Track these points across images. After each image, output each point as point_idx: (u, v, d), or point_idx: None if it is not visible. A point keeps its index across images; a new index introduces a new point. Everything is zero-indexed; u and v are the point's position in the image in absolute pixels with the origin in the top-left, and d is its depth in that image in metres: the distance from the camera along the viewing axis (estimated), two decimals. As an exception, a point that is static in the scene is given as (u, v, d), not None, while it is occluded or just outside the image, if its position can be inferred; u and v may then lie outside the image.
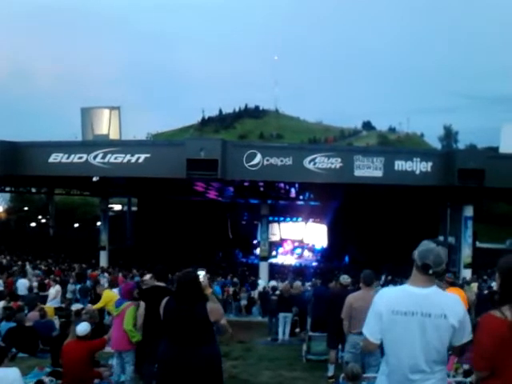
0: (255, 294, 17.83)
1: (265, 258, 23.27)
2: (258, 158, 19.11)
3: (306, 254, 34.68)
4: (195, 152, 18.52)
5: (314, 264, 31.90)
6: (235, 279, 20.79)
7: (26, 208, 46.13)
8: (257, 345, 10.52)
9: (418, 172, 19.16)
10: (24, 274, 16.51)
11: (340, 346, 6.98)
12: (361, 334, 5.60)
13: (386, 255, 26.97)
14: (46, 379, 6.20)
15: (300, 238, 35.40)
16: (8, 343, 7.17)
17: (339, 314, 5.96)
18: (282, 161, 19.16)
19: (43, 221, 43.91)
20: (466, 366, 6.22)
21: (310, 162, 19.07)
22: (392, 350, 2.75)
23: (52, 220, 38.53)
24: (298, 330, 11.66)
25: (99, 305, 9.50)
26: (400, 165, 19.17)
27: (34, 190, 34.06)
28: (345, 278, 7.30)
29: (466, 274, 20.01)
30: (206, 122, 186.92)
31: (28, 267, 19.28)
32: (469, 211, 21.45)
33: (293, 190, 26.65)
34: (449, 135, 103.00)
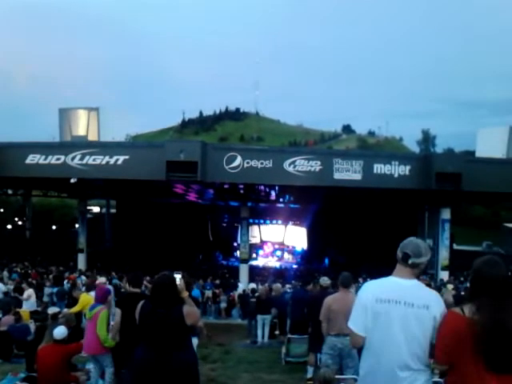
0: (235, 296, 17.79)
1: (245, 261, 23.24)
2: (238, 160, 19.08)
3: (286, 256, 34.74)
4: (175, 154, 18.41)
5: (295, 266, 32.00)
6: (217, 281, 20.78)
7: (1, 210, 45.32)
8: (236, 347, 10.49)
9: (396, 175, 19.35)
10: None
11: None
12: (338, 335, 5.67)
13: (365, 257, 27.19)
14: (21, 385, 6.08)
15: (280, 240, 35.45)
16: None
17: (319, 316, 5.98)
18: (262, 163, 19.16)
19: (20, 223, 43.18)
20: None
21: (289, 164, 19.12)
22: (376, 342, 2.75)
23: (29, 222, 37.90)
24: (277, 332, 11.67)
25: (76, 308, 9.35)
26: (379, 168, 19.33)
27: (10, 192, 33.46)
28: (324, 280, 7.33)
29: (444, 275, 20.29)
30: (186, 124, 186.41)
31: (5, 272, 18.92)
32: (446, 214, 21.73)
33: (273, 193, 26.69)
34: (427, 139, 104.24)
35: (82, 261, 24.86)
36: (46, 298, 14.14)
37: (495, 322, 2.36)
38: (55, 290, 14.18)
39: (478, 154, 23.58)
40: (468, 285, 2.74)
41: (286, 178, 19.31)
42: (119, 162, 19.36)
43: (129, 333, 5.33)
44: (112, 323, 6.00)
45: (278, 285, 13.64)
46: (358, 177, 19.22)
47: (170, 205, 31.81)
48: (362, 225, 29.29)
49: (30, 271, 19.81)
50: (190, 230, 32.19)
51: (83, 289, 11.96)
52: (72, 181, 20.29)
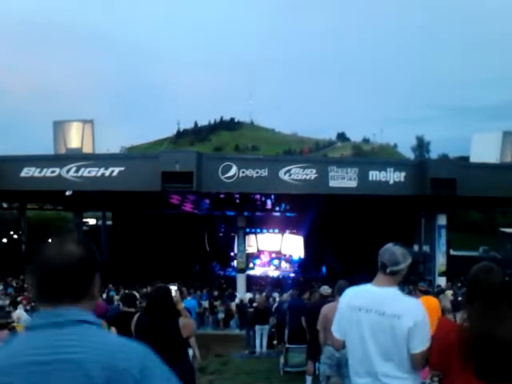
0: (233, 306, 17.71)
1: (242, 270, 23.16)
2: (234, 169, 19.09)
3: (284, 265, 34.64)
4: (170, 165, 18.41)
5: (292, 275, 31.90)
6: (216, 292, 20.68)
7: (-4, 224, 45.08)
8: (234, 358, 10.44)
9: (391, 182, 19.39)
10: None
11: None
12: (336, 344, 5.62)
13: (362, 265, 27.11)
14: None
15: (277, 249, 35.35)
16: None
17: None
18: (257, 172, 19.18)
19: (15, 236, 42.93)
20: (441, 374, 6.25)
21: (285, 173, 19.13)
22: (350, 348, 2.79)
23: (24, 235, 37.67)
24: (275, 342, 11.61)
25: None
26: (374, 175, 19.38)
27: (5, 205, 33.33)
28: (325, 289, 7.31)
29: (441, 281, 20.27)
30: (181, 135, 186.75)
31: (0, 286, 18.81)
32: (442, 220, 21.78)
33: (269, 202, 26.68)
34: (421, 145, 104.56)
35: (78, 273, 24.68)
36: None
37: (485, 329, 2.32)
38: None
39: (472, 160, 23.68)
40: (464, 291, 2.72)
41: (282, 186, 19.32)
42: (114, 174, 19.34)
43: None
44: None
45: (263, 295, 13.54)
46: (353, 184, 19.25)
47: (166, 216, 31.72)
48: (358, 232, 29.25)
49: (25, 285, 19.68)
50: (187, 240, 32.07)
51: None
52: (67, 193, 20.24)
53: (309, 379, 6.93)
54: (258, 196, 23.99)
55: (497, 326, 2.33)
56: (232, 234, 32.11)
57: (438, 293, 12.79)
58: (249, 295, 17.33)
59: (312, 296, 10.08)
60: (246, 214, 24.60)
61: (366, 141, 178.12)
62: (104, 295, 14.76)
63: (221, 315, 17.25)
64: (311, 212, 28.44)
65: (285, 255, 35.19)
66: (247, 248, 26.15)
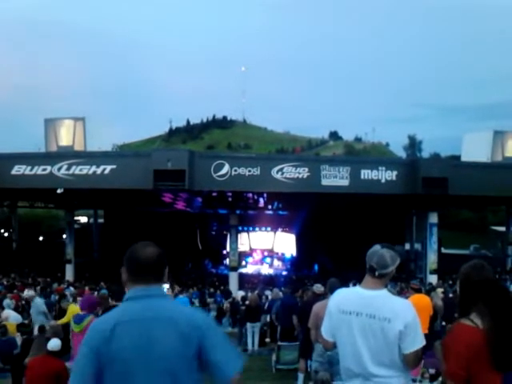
0: (227, 304, 17.69)
1: (234, 268, 23.16)
2: (226, 168, 19.07)
3: (276, 263, 34.69)
4: (162, 163, 18.36)
5: (284, 273, 31.96)
6: (211, 289, 20.67)
7: (-13, 222, 44.78)
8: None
9: (383, 181, 19.45)
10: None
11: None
12: (328, 342, 5.64)
13: (354, 263, 27.17)
14: (6, 399, 5.97)
15: (269, 247, 35.40)
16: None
17: (308, 323, 5.98)
18: (249, 171, 19.18)
19: (6, 234, 42.67)
20: (431, 371, 6.31)
21: (277, 171, 19.14)
22: (341, 351, 2.80)
23: (15, 233, 37.42)
24: (267, 339, 11.63)
25: (64, 320, 9.24)
26: (366, 174, 19.42)
27: (-4, 203, 33.12)
28: (318, 287, 7.33)
29: (432, 279, 20.37)
30: (173, 133, 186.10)
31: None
32: (433, 218, 21.87)
33: (261, 200, 26.68)
34: (413, 144, 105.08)
35: (69, 271, 24.63)
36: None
37: (498, 327, 2.36)
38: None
39: (463, 159, 23.84)
40: (457, 290, 2.70)
41: (274, 185, 19.33)
42: (106, 172, 19.26)
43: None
44: None
45: (277, 290, 13.54)
46: (345, 183, 19.30)
47: (158, 214, 31.64)
48: (350, 230, 29.34)
49: (16, 283, 19.56)
50: (179, 238, 32.01)
51: (71, 299, 11.84)
52: (59, 191, 20.14)
53: (301, 376, 6.96)
54: (250, 194, 23.99)
55: (507, 319, 2.37)
56: (224, 232, 32.13)
57: (429, 291, 12.88)
58: (241, 293, 17.32)
59: (305, 294, 10.11)
60: (238, 212, 24.58)
61: (358, 140, 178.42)
62: (95, 293, 14.68)
63: (212, 313, 17.22)
64: (303, 210, 28.49)
65: (277, 253, 35.24)
66: (239, 246, 26.15)
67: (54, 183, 19.69)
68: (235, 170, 19.09)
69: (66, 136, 22.19)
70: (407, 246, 29.83)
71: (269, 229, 34.86)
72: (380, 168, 19.54)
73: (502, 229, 39.60)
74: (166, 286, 4.57)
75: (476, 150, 22.58)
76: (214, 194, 23.62)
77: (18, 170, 19.56)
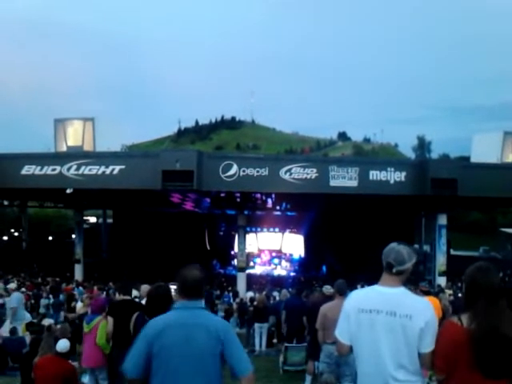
0: (235, 304, 17.69)
1: (242, 269, 23.16)
2: (234, 168, 19.08)
3: (284, 264, 34.64)
4: (171, 163, 18.42)
5: (292, 274, 31.90)
6: (218, 291, 20.66)
7: (-3, 221, 45.12)
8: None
9: (392, 182, 19.37)
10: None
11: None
12: (335, 343, 5.63)
13: (362, 264, 27.12)
14: (15, 397, 6.00)
15: (277, 248, 35.35)
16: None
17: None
18: (258, 171, 19.17)
19: (16, 234, 42.98)
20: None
21: (285, 172, 19.13)
22: (359, 353, 2.74)
23: (25, 233, 37.71)
24: (275, 340, 11.61)
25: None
26: (374, 175, 19.36)
27: (6, 203, 33.36)
28: (327, 289, 7.31)
29: (441, 281, 20.25)
30: (182, 133, 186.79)
31: (0, 283, 18.80)
32: (443, 220, 21.74)
33: (269, 201, 26.65)
34: (422, 145, 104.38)
35: (78, 271, 24.75)
36: (42, 310, 14.06)
37: (489, 328, 2.37)
38: (51, 301, 14.09)
39: (473, 160, 23.66)
40: (464, 291, 2.70)
41: (282, 185, 19.31)
42: (115, 172, 19.35)
43: (122, 342, 5.29)
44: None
45: (284, 291, 13.54)
46: (353, 184, 19.24)
47: (166, 214, 31.73)
48: (359, 232, 29.24)
49: (26, 283, 19.69)
50: (187, 239, 32.07)
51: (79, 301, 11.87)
52: (68, 191, 20.25)
53: (308, 378, 6.94)
54: (258, 195, 23.97)
55: (502, 322, 2.37)
56: (232, 233, 32.09)
57: (438, 293, 12.81)
58: (250, 294, 17.32)
59: (311, 296, 10.08)
60: (246, 212, 24.57)
61: (366, 140, 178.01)
62: (104, 293, 14.75)
63: (220, 314, 17.23)
64: (312, 211, 28.45)
65: (285, 254, 35.19)
66: (247, 247, 26.15)
67: (64, 183, 19.81)
68: (243, 171, 19.09)
69: (75, 136, 22.31)
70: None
71: (277, 229, 34.81)
72: (389, 169, 19.47)
73: (512, 231, 39.40)
74: (175, 287, 4.65)
75: (486, 150, 22.41)
76: (223, 195, 23.63)
77: (28, 170, 19.70)
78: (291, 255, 35.13)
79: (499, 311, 2.43)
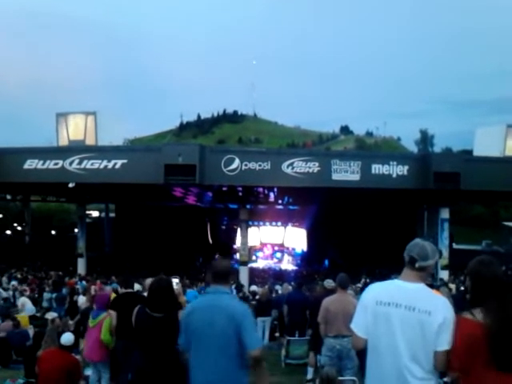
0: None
1: (244, 263, 23.19)
2: (237, 162, 19.08)
3: (286, 258, 34.68)
4: (173, 157, 18.41)
5: (295, 268, 31.95)
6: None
7: (0, 215, 45.23)
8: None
9: (394, 175, 19.34)
10: (-1, 284, 16.17)
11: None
12: (337, 337, 5.67)
13: (365, 258, 27.16)
14: (19, 390, 6.04)
15: (280, 242, 35.40)
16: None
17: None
18: (260, 165, 19.16)
19: (19, 228, 43.09)
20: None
21: (288, 166, 19.11)
22: (377, 345, 2.69)
23: (28, 227, 37.81)
24: (277, 334, 11.63)
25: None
26: (377, 168, 19.32)
27: (8, 197, 33.41)
28: (329, 282, 7.30)
29: (444, 275, 20.25)
30: (184, 127, 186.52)
31: (4, 277, 18.88)
32: (445, 213, 21.70)
33: (271, 195, 26.65)
34: (425, 139, 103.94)
35: (81, 265, 24.81)
36: (45, 304, 14.10)
37: (505, 321, 2.36)
38: (54, 295, 14.14)
39: (475, 153, 23.58)
40: (468, 286, 2.68)
41: (285, 179, 19.30)
42: (117, 166, 19.35)
43: (125, 335, 5.32)
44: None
45: (286, 285, 13.56)
46: (356, 177, 19.21)
47: (169, 208, 31.77)
48: (361, 225, 29.26)
49: (29, 276, 19.75)
50: (190, 233, 32.14)
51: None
52: (70, 185, 20.27)
53: (310, 371, 6.95)
54: (260, 189, 23.97)
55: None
56: (235, 227, 32.17)
57: (440, 286, 12.82)
58: (254, 287, 17.34)
59: (313, 290, 10.09)
60: (248, 206, 24.58)
61: (369, 134, 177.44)
62: (107, 287, 14.79)
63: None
64: (314, 205, 28.44)
65: (287, 248, 35.23)
66: (250, 241, 26.18)
67: (66, 177, 19.83)
68: (245, 165, 19.09)
69: (77, 130, 22.27)
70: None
71: (279, 223, 34.83)
72: (391, 163, 19.43)
73: (515, 224, 39.33)
74: (176, 280, 4.68)
75: (488, 144, 22.31)
76: (225, 189, 23.64)
77: (31, 164, 19.72)
78: (293, 249, 35.17)
79: (509, 303, 2.42)
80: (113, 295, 8.74)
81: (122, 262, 27.31)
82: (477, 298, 2.53)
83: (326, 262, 32.53)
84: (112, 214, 38.87)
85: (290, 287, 12.87)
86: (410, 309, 2.58)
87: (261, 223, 34.58)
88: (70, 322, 8.43)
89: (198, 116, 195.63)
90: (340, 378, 4.99)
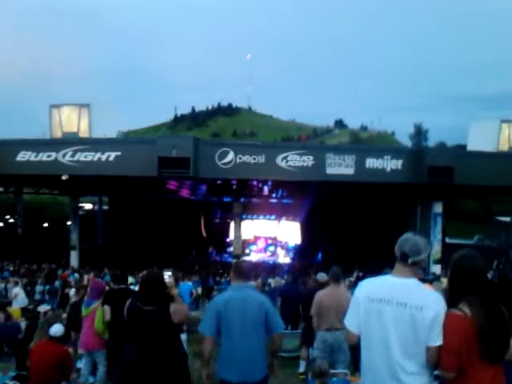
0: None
1: (238, 256, 23.20)
2: (231, 155, 19.04)
3: (280, 251, 34.73)
4: (167, 150, 18.34)
5: (288, 261, 32.00)
6: (217, 278, 20.70)
7: (-8, 208, 44.99)
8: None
9: (388, 169, 19.37)
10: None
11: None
12: (329, 330, 5.68)
13: (358, 252, 27.23)
14: (10, 383, 6.01)
15: (273, 235, 35.43)
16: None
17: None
18: (254, 159, 19.14)
19: (11, 220, 42.88)
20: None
21: (282, 159, 19.10)
22: (369, 341, 2.70)
23: (20, 220, 37.63)
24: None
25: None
26: (371, 162, 19.34)
27: (1, 189, 33.18)
28: (322, 276, 7.31)
29: (436, 269, 20.34)
30: (178, 120, 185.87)
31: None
32: (438, 208, 21.77)
33: (266, 188, 26.63)
34: (419, 133, 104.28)
35: (74, 258, 24.76)
36: (37, 296, 14.08)
37: (491, 317, 2.40)
38: (47, 287, 14.11)
39: (469, 148, 23.60)
40: (448, 278, 2.69)
41: (279, 173, 19.29)
42: (111, 159, 19.28)
43: (119, 330, 5.31)
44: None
45: (278, 278, 13.61)
46: (350, 171, 19.23)
47: (162, 201, 31.66)
48: (355, 219, 29.33)
49: (21, 269, 19.69)
50: (183, 226, 32.08)
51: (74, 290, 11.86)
52: (63, 178, 20.16)
53: (302, 364, 6.98)
54: (254, 182, 23.94)
55: (497, 308, 2.43)
56: (228, 220, 32.17)
57: (432, 281, 12.88)
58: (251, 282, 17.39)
59: (306, 283, 10.10)
60: (242, 200, 24.58)
61: (363, 128, 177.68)
62: (100, 280, 14.75)
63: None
64: (308, 199, 28.45)
65: (281, 242, 35.28)
66: (243, 234, 26.18)
67: (59, 169, 19.72)
68: (240, 158, 19.06)
69: (70, 122, 22.12)
70: (411, 236, 29.67)
71: (273, 217, 34.84)
72: (385, 157, 19.46)
73: (507, 219, 39.53)
74: (168, 273, 4.74)
75: (482, 139, 22.36)
76: (219, 182, 23.60)
77: (23, 156, 19.60)
78: (287, 243, 35.23)
79: (492, 296, 2.45)
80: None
81: (115, 254, 27.24)
82: (455, 291, 2.55)
83: (320, 255, 32.60)
84: (105, 207, 38.75)
85: (283, 281, 12.88)
86: (401, 305, 2.58)
87: (254, 216, 34.57)
88: (64, 315, 8.41)
89: (193, 109, 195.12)
90: (332, 370, 5.00)
